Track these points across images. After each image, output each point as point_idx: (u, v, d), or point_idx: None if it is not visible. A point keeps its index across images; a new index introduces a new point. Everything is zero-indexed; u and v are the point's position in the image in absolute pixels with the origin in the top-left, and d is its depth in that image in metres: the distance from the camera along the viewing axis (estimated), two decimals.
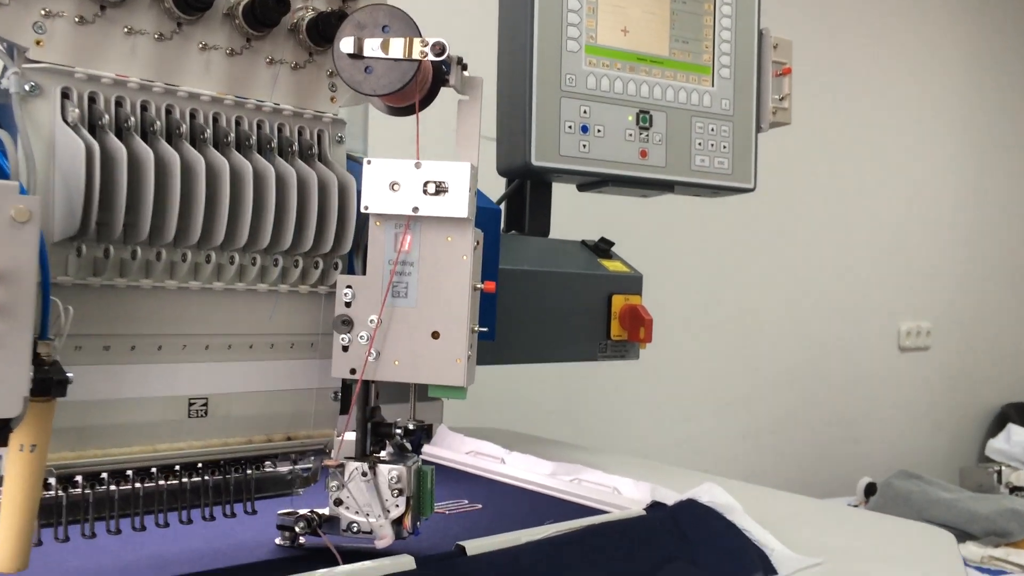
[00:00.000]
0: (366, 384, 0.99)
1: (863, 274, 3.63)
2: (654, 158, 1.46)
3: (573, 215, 1.76)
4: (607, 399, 2.74)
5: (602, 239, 1.55)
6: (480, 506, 1.17)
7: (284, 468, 1.06)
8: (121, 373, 0.87)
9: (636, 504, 1.14)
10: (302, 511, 1.00)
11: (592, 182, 1.51)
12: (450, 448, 1.40)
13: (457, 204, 0.91)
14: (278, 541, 1.04)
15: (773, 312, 3.30)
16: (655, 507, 1.12)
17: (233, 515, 0.98)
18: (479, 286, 0.95)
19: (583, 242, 1.56)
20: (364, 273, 0.96)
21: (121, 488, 0.90)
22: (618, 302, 1.48)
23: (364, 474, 0.95)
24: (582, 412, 2.72)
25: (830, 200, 3.51)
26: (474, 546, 0.96)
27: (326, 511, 0.98)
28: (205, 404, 0.92)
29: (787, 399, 3.43)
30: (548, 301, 1.42)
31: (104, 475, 0.88)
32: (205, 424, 0.92)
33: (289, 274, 0.98)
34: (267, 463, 1.01)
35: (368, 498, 0.96)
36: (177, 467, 0.93)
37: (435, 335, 0.95)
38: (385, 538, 0.94)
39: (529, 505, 1.21)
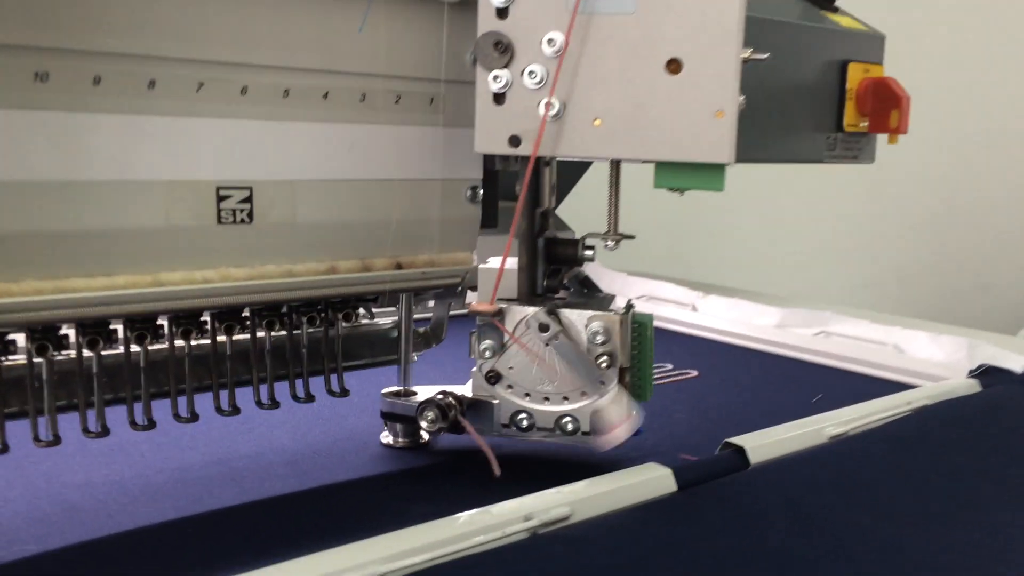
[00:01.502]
0: (539, 165, 0.55)
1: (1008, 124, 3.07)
2: None
3: None
4: (714, 242, 2.29)
5: None
6: (695, 372, 0.74)
7: (388, 320, 0.63)
8: (79, 130, 0.44)
9: (944, 370, 0.71)
10: (423, 390, 0.59)
11: None
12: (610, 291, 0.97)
13: None
14: (384, 439, 0.63)
15: (903, 154, 2.76)
16: (990, 374, 0.68)
17: (306, 398, 0.56)
18: None
19: None
20: None
21: (105, 354, 0.49)
22: (855, 73, 1.00)
23: (543, 328, 0.52)
24: (684, 255, 2.27)
25: (990, 58, 2.91)
26: (753, 446, 0.53)
27: (468, 390, 0.56)
28: (247, 200, 0.49)
29: (913, 248, 2.97)
30: (754, 69, 0.93)
31: (66, 331, 0.47)
32: (248, 238, 0.49)
33: None
34: (360, 310, 0.59)
35: (551, 369, 0.53)
36: (204, 317, 0.51)
37: (673, 66, 0.49)
38: (615, 433, 0.52)
39: (760, 369, 0.78)
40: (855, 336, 0.79)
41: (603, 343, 0.51)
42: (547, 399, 0.53)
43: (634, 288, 0.97)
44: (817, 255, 2.79)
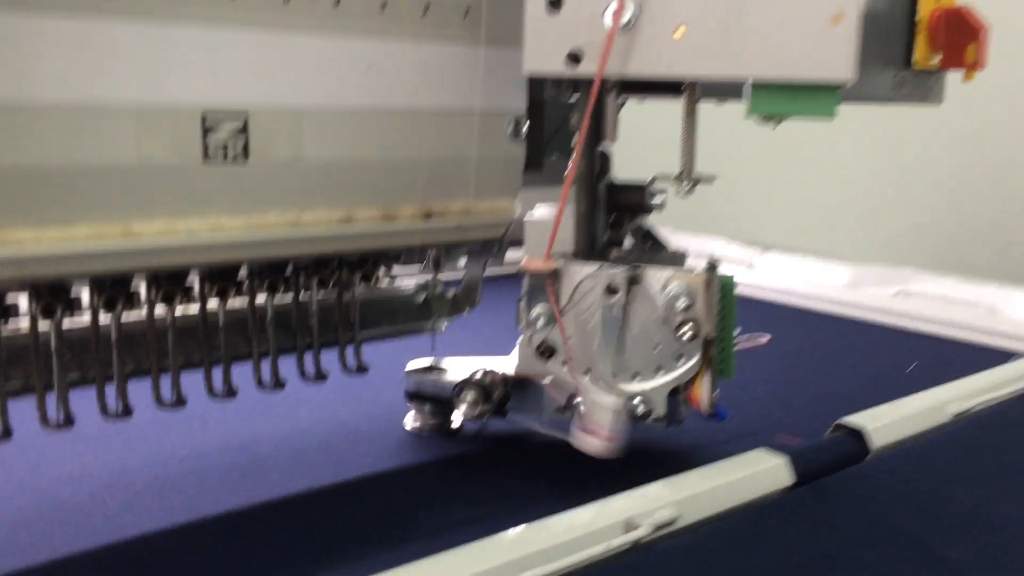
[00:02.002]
0: (602, 92, 0.45)
1: None
2: None
3: None
4: (732, 197, 2.19)
5: None
6: (765, 338, 0.64)
7: (412, 282, 0.54)
8: (24, 37, 0.33)
9: None
10: (455, 365, 0.49)
11: None
12: None
13: None
14: (409, 424, 0.53)
15: (924, 114, 2.63)
16: None
17: (317, 375, 0.47)
18: None
19: None
20: None
21: (75, 323, 0.39)
22: (927, 4, 0.88)
23: (612, 291, 0.42)
24: (700, 213, 2.16)
25: None
26: (873, 428, 0.44)
27: (512, 366, 0.46)
28: (242, 131, 0.39)
29: (935, 207, 2.86)
30: None
31: (24, 297, 0.37)
32: (243, 180, 0.39)
33: None
34: (381, 270, 0.49)
35: (620, 342, 0.43)
36: (191, 279, 0.42)
37: None
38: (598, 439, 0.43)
39: (835, 333, 0.68)
40: (941, 296, 0.69)
41: (685, 308, 0.41)
42: (615, 374, 0.44)
43: (681, 245, 0.87)
44: (842, 213, 2.68)
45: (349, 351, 0.48)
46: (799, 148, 1.80)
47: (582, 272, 0.43)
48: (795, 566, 0.34)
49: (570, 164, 0.43)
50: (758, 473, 0.39)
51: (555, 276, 0.43)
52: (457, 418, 0.52)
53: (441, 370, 0.51)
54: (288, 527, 0.42)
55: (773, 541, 0.35)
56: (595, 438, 0.41)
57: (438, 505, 0.44)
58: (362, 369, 0.48)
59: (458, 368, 0.50)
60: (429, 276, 0.53)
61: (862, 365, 0.64)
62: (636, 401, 0.44)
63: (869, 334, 0.71)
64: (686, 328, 0.42)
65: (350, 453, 0.51)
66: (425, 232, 0.45)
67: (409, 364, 0.52)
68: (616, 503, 0.35)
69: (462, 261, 0.54)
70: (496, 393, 0.44)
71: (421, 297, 0.53)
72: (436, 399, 0.50)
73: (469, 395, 0.44)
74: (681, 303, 0.42)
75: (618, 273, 0.42)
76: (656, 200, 0.47)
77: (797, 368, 0.63)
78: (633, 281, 0.42)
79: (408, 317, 0.54)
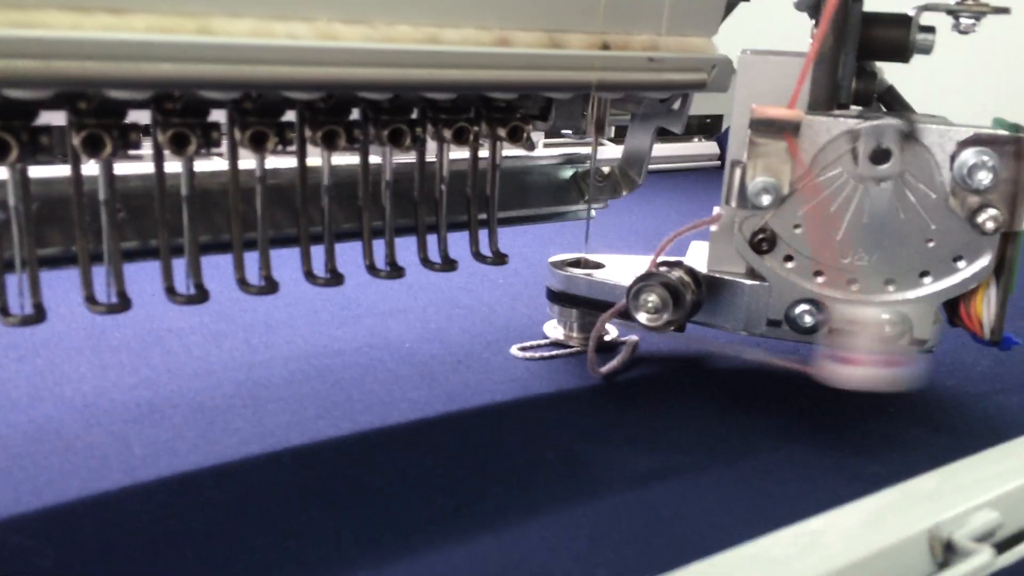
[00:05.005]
0: None
1: None
2: None
3: None
4: None
5: None
6: None
7: (553, 153, 0.42)
8: None
9: None
10: (613, 262, 0.37)
11: None
12: None
13: None
14: (553, 330, 0.42)
15: None
16: None
17: (443, 263, 0.35)
18: None
19: None
20: None
21: (87, 172, 0.28)
22: None
23: (880, 157, 0.30)
24: None
25: None
26: None
27: (700, 262, 0.34)
28: None
29: None
30: None
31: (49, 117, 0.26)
32: None
33: None
34: (523, 130, 0.37)
35: (874, 231, 0.31)
36: (286, 112, 0.30)
37: None
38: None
39: None
40: None
41: (988, 188, 0.29)
42: (854, 282, 0.31)
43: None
44: None
45: (481, 235, 0.37)
46: None
47: (834, 127, 0.30)
48: None
49: None
50: None
51: (796, 131, 0.30)
52: (610, 329, 0.41)
53: (597, 265, 0.39)
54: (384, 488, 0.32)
55: None
56: (857, 367, 0.29)
57: (608, 453, 0.33)
58: (500, 258, 0.37)
59: (619, 265, 0.38)
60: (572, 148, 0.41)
61: None
62: (886, 318, 0.31)
63: None
64: (986, 215, 0.29)
65: (471, 377, 0.40)
66: (605, 63, 0.32)
67: (552, 257, 0.41)
68: (895, 497, 0.23)
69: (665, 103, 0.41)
70: (687, 296, 0.33)
71: (570, 173, 0.41)
72: (593, 302, 0.38)
73: (652, 296, 0.32)
74: (981, 178, 0.29)
75: (891, 126, 0.29)
76: (926, 38, 0.33)
77: None
78: (910, 136, 0.29)
79: (549, 198, 0.42)
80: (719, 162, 1.07)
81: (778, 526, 0.23)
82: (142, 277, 0.33)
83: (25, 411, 0.36)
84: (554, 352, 0.41)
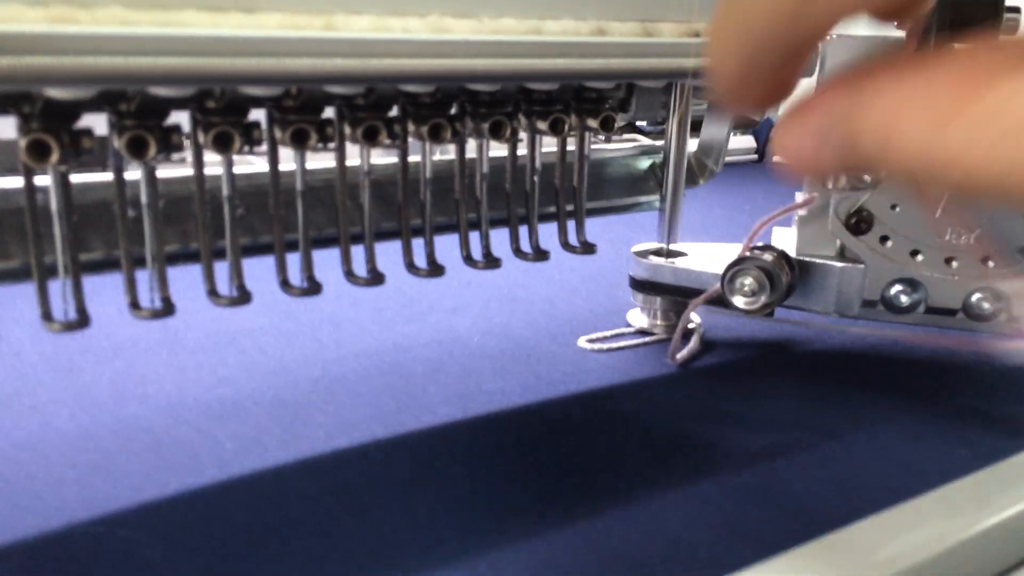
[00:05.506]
0: None
1: None
2: None
3: None
4: None
5: None
6: None
7: (629, 146, 0.42)
8: None
9: None
10: (695, 250, 0.38)
11: None
12: None
13: None
14: (637, 318, 0.42)
15: None
16: None
17: (535, 253, 0.36)
18: None
19: None
20: None
21: (172, 174, 0.29)
22: None
23: None
24: None
25: None
26: None
27: (789, 245, 0.34)
28: None
29: None
30: None
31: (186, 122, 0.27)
32: None
33: None
34: (614, 120, 0.37)
35: (969, 213, 0.31)
36: (390, 109, 0.31)
37: None
38: None
39: None
40: None
41: None
42: (952, 261, 0.32)
43: None
44: None
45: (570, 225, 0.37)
46: None
47: None
48: None
49: None
50: None
51: None
52: (694, 317, 0.41)
53: (680, 253, 0.40)
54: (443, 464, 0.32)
55: None
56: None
57: (719, 432, 0.33)
58: (589, 247, 0.37)
59: (701, 253, 0.39)
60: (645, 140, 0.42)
61: None
62: (980, 298, 0.32)
63: None
64: None
65: (552, 370, 0.40)
66: (699, 50, 0.33)
67: (634, 247, 0.41)
68: None
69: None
70: (783, 279, 0.33)
71: (647, 163, 0.42)
72: (681, 290, 0.39)
73: (748, 279, 0.33)
74: None
75: None
76: (1010, 17, 0.34)
77: None
78: None
79: (625, 189, 0.42)
80: (756, 156, 1.07)
81: (905, 498, 0.23)
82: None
83: (112, 411, 0.37)
84: (622, 343, 0.42)
